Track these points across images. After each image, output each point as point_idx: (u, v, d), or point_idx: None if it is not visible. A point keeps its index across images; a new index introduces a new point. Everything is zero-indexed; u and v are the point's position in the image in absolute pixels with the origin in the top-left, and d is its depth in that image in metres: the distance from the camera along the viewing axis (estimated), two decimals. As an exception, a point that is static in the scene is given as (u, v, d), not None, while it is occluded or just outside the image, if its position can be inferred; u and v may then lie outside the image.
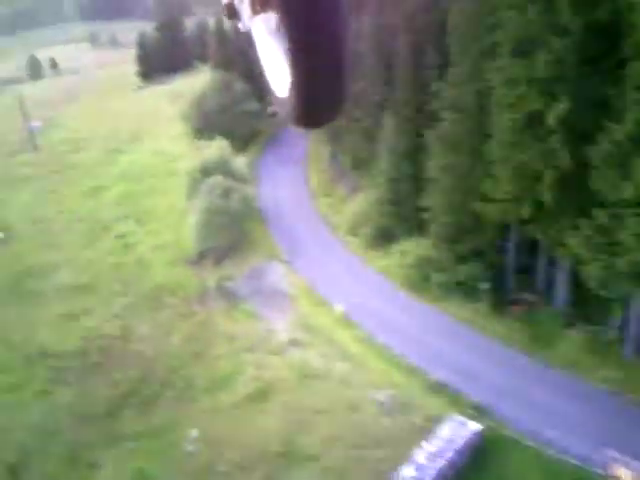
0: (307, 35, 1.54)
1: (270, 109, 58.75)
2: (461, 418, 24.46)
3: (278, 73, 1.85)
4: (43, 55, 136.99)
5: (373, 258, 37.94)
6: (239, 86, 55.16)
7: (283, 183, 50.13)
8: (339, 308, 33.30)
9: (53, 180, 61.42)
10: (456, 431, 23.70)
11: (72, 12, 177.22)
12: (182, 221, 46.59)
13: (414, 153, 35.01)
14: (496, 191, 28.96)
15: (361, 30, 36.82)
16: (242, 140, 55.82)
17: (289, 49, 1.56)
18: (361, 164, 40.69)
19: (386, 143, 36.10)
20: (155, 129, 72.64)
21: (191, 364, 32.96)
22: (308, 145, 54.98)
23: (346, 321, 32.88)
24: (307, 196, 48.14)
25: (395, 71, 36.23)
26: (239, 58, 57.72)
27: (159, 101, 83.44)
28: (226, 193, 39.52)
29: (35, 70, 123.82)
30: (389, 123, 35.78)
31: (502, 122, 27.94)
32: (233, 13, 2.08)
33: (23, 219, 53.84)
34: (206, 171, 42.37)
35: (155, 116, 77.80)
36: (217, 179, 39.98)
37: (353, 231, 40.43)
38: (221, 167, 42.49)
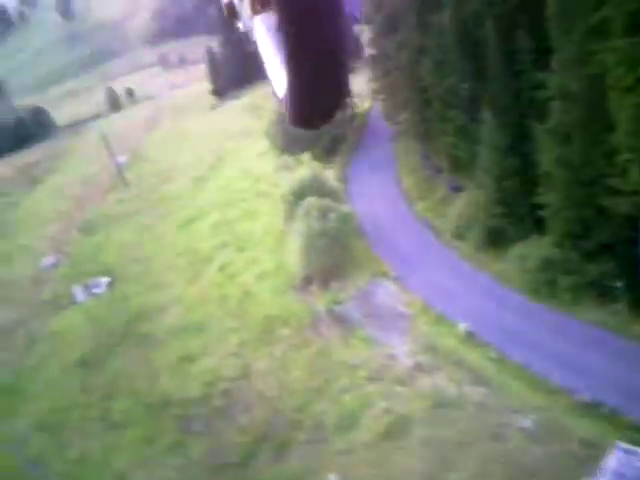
0: (303, 35, 1.52)
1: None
2: (629, 446, 22.02)
3: (277, 73, 1.86)
4: (119, 86, 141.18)
5: (486, 263, 35.63)
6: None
7: (375, 190, 48.42)
8: (462, 325, 31.33)
9: (147, 215, 62.42)
10: (626, 461, 21.32)
11: (140, 39, 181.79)
12: (280, 245, 45.89)
13: (519, 148, 32.47)
14: (625, 183, 26.09)
15: (442, 24, 34.46)
16: (327, 151, 54.63)
17: (285, 49, 1.55)
18: (459, 164, 38.38)
19: (486, 139, 33.67)
20: (237, 147, 72.60)
21: (316, 400, 31.98)
22: (394, 147, 52.96)
23: (472, 339, 30.88)
24: (402, 201, 46.19)
25: (484, 62, 33.67)
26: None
27: (236, 117, 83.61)
28: (323, 214, 38.29)
29: (113, 102, 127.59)
30: (487, 118, 33.31)
31: (622, 108, 25.04)
32: (233, 13, 2.09)
33: (124, 260, 54.86)
34: (299, 192, 41.35)
35: (235, 133, 77.86)
36: (312, 201, 38.83)
37: (460, 235, 38.23)
38: (313, 186, 41.35)
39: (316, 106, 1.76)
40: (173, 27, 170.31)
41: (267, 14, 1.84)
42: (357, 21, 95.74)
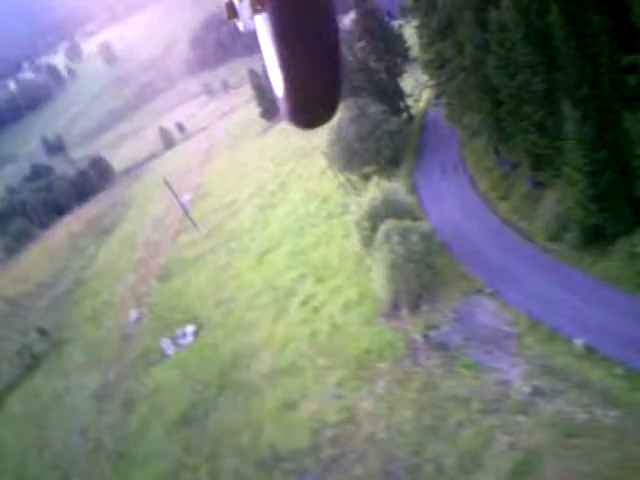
0: (296, 33, 1.52)
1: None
2: None
3: (275, 73, 1.87)
4: (169, 121, 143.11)
5: (589, 265, 32.79)
6: (373, 108, 51.92)
7: (450, 196, 46.15)
8: (578, 340, 28.74)
9: (220, 253, 62.09)
10: None
11: (182, 71, 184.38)
12: (359, 270, 44.27)
13: (607, 139, 29.67)
14: None
15: (502, 19, 31.99)
16: (389, 161, 52.73)
17: (278, 47, 1.56)
18: (540, 161, 35.69)
19: (570, 133, 30.95)
20: (297, 169, 71.57)
21: (431, 441, 30.02)
22: (460, 148, 50.41)
23: (591, 354, 28.27)
24: (482, 204, 43.68)
25: (554, 51, 31.00)
26: (363, 78, 54.65)
27: (290, 137, 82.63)
28: (404, 237, 36.35)
29: (167, 140, 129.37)
30: (567, 111, 30.62)
31: None
32: (233, 13, 2.10)
33: (206, 304, 54.49)
34: (373, 216, 39.59)
35: (291, 155, 76.90)
36: (390, 225, 36.96)
37: (554, 236, 35.49)
38: (386, 207, 39.48)
39: (313, 106, 1.74)
40: (212, 54, 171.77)
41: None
42: (393, 17, 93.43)
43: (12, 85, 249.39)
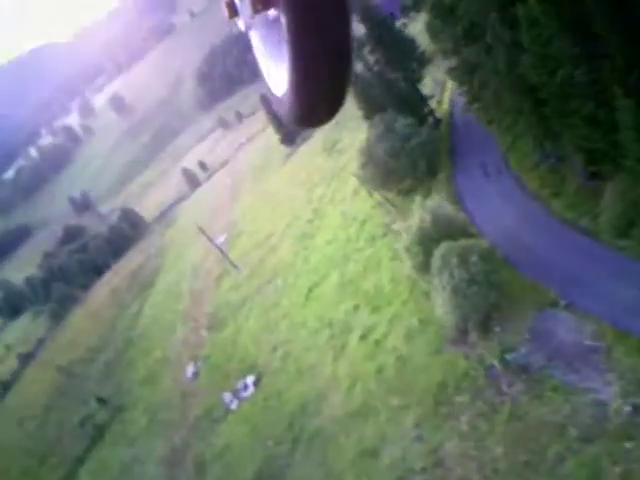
0: (311, 32, 1.55)
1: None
2: None
3: (276, 72, 1.91)
4: (190, 161, 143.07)
5: (671, 258, 30.23)
6: (400, 122, 49.95)
7: (499, 200, 43.77)
8: (678, 349, 26.18)
9: (267, 293, 60.52)
10: None
11: (194, 108, 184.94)
12: (415, 294, 42.22)
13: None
14: None
15: (531, 13, 29.80)
16: (428, 173, 50.65)
17: (291, 47, 1.58)
18: (594, 155, 33.24)
19: (627, 124, 28.54)
20: (328, 192, 69.81)
21: (531, 479, 27.69)
22: (498, 147, 47.98)
23: (696, 362, 25.68)
24: (534, 204, 41.19)
25: (596, 39, 28.68)
26: (383, 91, 52.88)
27: (314, 159, 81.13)
28: (462, 258, 34.14)
29: (191, 180, 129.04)
30: (619, 100, 28.24)
31: None
32: (233, 12, 2.09)
33: (261, 350, 52.87)
34: (424, 238, 37.51)
35: (320, 178, 75.25)
36: (445, 247, 34.83)
37: (621, 233, 32.91)
38: (437, 227, 37.37)
39: (320, 104, 1.74)
40: (220, 86, 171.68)
41: (269, 13, 1.84)
42: (396, 18, 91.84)
43: (33, 152, 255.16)
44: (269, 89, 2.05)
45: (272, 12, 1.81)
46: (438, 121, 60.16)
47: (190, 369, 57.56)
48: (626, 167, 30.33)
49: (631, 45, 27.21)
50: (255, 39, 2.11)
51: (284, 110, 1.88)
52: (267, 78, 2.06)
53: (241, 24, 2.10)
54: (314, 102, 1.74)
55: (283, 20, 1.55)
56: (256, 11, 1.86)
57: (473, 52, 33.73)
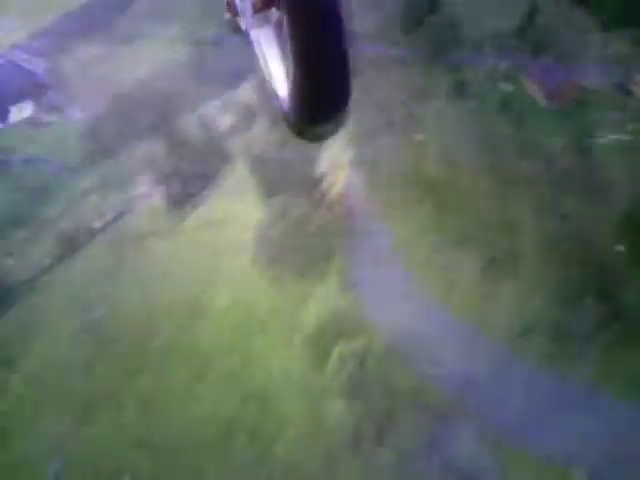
0: (313, 32, 1.52)
1: None
2: None
3: (277, 72, 1.91)
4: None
5: None
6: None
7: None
8: None
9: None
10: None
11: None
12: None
13: None
14: None
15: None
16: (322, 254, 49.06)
17: (293, 46, 1.55)
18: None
19: None
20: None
21: None
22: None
23: None
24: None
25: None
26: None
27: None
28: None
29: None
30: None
31: None
32: (234, 11, 2.07)
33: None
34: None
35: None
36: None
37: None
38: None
39: (323, 105, 1.70)
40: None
41: (269, 12, 1.83)
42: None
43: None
44: (271, 89, 2.00)
45: (276, 10, 1.77)
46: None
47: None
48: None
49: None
50: (258, 37, 2.06)
51: (284, 110, 1.83)
52: (268, 78, 2.02)
53: (242, 24, 2.08)
54: (317, 102, 1.67)
55: (284, 19, 1.51)
56: (257, 10, 1.83)
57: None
